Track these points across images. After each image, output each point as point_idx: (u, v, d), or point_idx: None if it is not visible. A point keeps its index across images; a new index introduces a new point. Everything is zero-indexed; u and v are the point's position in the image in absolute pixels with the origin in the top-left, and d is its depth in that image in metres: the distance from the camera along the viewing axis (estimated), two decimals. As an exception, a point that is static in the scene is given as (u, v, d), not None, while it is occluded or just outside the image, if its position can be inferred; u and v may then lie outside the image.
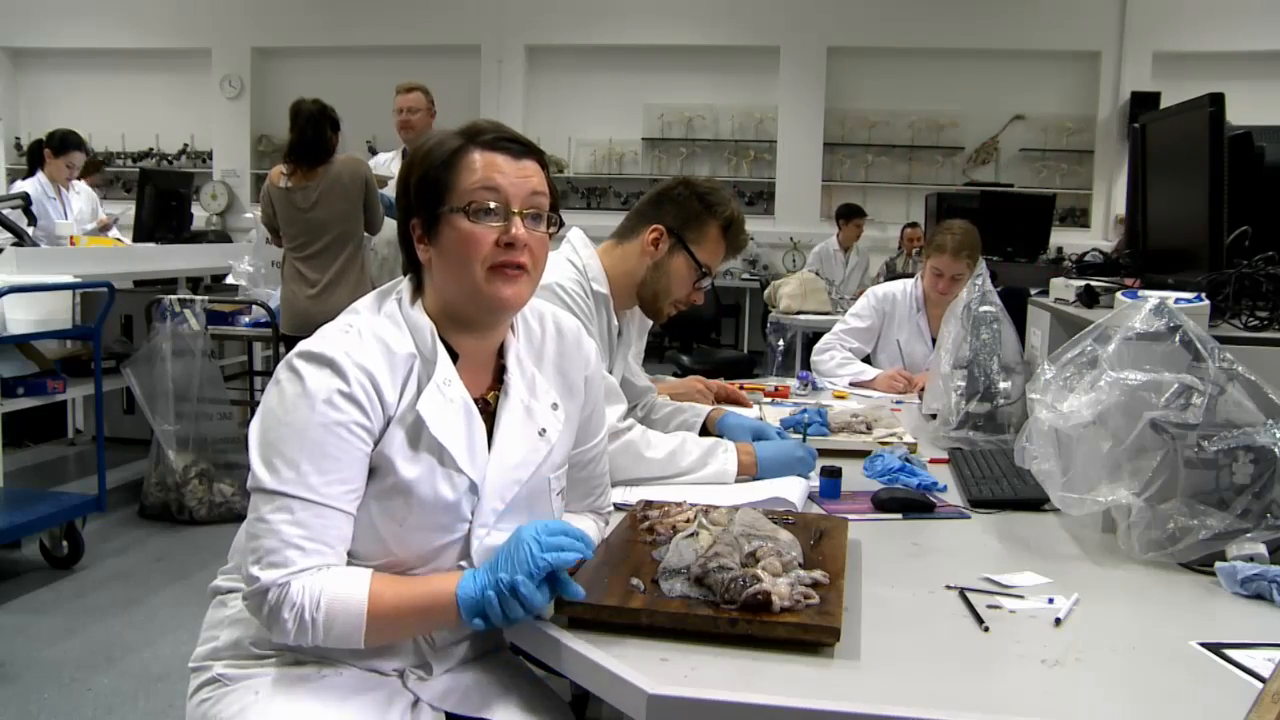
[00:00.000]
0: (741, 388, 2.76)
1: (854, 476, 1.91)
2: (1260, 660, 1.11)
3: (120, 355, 4.36)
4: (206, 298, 4.45)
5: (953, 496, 1.84)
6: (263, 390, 1.30)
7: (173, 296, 4.29)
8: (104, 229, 5.74)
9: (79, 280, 3.93)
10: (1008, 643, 1.18)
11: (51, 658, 2.89)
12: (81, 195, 5.83)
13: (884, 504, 1.73)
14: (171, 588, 3.49)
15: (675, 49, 9.25)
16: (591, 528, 1.45)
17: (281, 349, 4.35)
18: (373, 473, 1.22)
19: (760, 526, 1.34)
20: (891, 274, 7.06)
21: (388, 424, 1.22)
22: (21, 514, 3.40)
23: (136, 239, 5.41)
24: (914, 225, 7.80)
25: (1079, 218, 9.03)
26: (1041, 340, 2.55)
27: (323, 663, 1.26)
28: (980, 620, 1.23)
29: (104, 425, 3.97)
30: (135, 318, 4.85)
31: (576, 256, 1.99)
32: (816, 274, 6.65)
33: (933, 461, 2.09)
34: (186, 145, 10.12)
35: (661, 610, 1.16)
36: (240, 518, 1.22)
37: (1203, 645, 1.17)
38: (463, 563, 1.27)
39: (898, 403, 2.90)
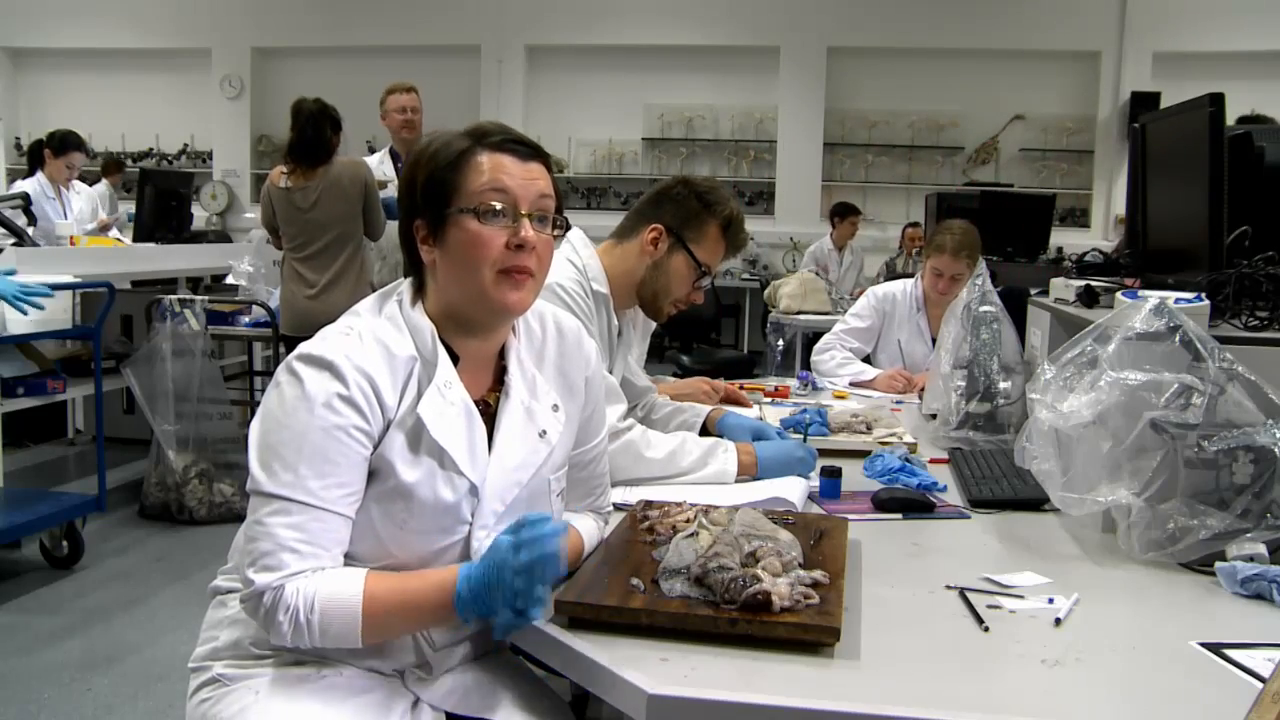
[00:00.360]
0: (741, 388, 2.76)
1: (854, 476, 1.91)
2: (1260, 660, 1.11)
3: (120, 355, 4.36)
4: (206, 298, 4.45)
5: (953, 496, 1.84)
6: (263, 390, 1.30)
7: (173, 296, 4.30)
8: (104, 229, 5.75)
9: (79, 280, 3.93)
10: (1008, 643, 1.18)
11: (51, 658, 2.89)
12: (82, 195, 5.83)
13: (884, 504, 1.73)
14: (171, 588, 3.49)
15: (675, 49, 9.25)
16: (592, 528, 1.45)
17: (281, 349, 4.34)
18: (373, 475, 1.22)
19: (760, 526, 1.34)
20: (891, 274, 7.06)
21: (387, 427, 1.22)
22: (21, 514, 3.40)
23: (136, 239, 5.41)
24: (915, 225, 7.80)
25: (1079, 218, 9.04)
26: (1041, 340, 2.55)
27: (323, 663, 1.26)
28: (980, 620, 1.23)
29: (104, 425, 3.97)
30: (135, 318, 4.85)
31: (576, 256, 1.99)
32: (816, 274, 6.65)
33: (933, 461, 2.09)
34: (186, 145, 10.12)
35: (661, 610, 1.16)
36: (240, 518, 1.22)
37: (1203, 645, 1.17)
38: (462, 561, 1.27)
39: (898, 403, 2.90)
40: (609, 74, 9.46)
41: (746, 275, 8.87)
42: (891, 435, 2.22)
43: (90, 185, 7.74)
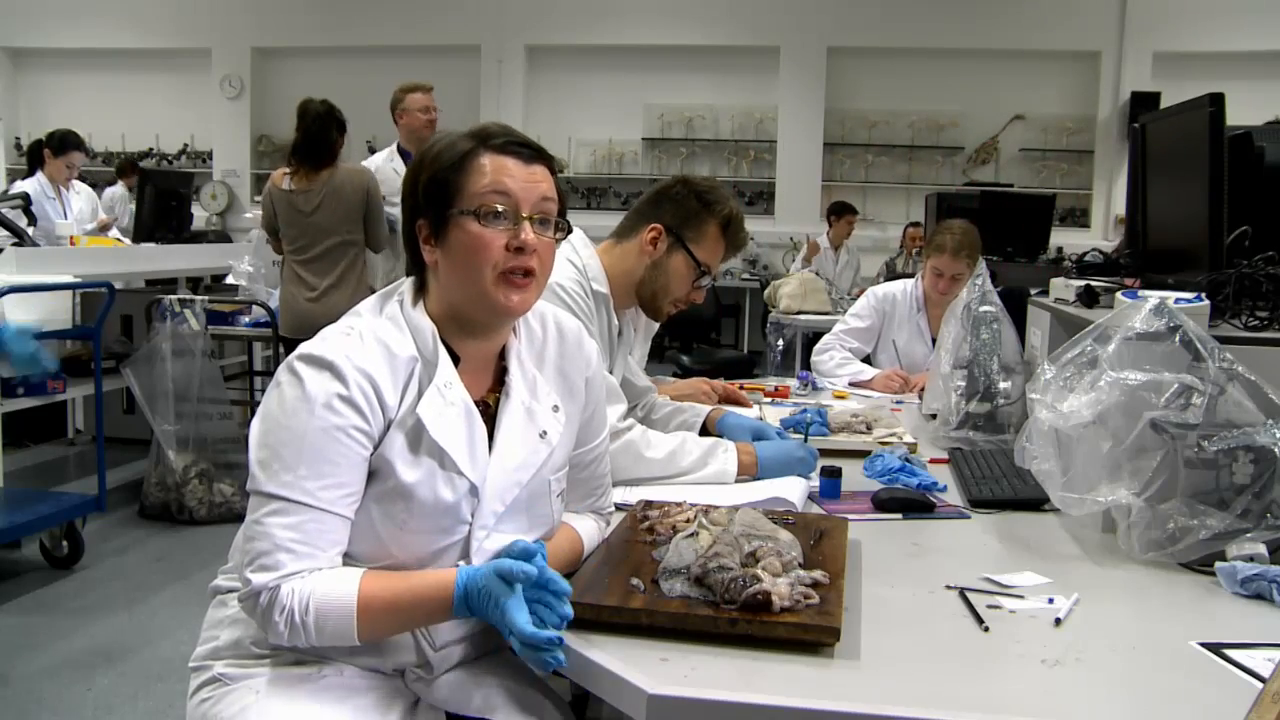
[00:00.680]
0: (741, 388, 2.77)
1: (854, 476, 1.91)
2: (1260, 660, 1.12)
3: (120, 355, 4.35)
4: (206, 298, 4.45)
5: (953, 496, 1.84)
6: (263, 390, 1.30)
7: (173, 296, 4.29)
8: (104, 229, 5.75)
9: (79, 280, 3.93)
10: (1008, 643, 1.18)
11: (51, 658, 2.89)
12: (82, 195, 5.83)
13: (884, 504, 1.73)
14: (171, 588, 3.49)
15: (675, 49, 9.25)
16: (592, 528, 1.45)
17: (281, 350, 4.34)
18: (373, 475, 1.22)
19: (760, 526, 1.34)
20: (891, 274, 7.06)
21: (388, 427, 1.22)
22: (21, 514, 3.40)
23: (136, 239, 5.41)
24: (916, 225, 7.80)
25: (1079, 218, 9.04)
26: (1041, 340, 2.55)
27: (323, 662, 1.26)
28: (980, 620, 1.23)
29: (104, 425, 3.97)
30: (135, 318, 4.85)
31: (576, 256, 1.99)
32: (816, 274, 6.66)
33: (933, 461, 2.09)
34: (186, 145, 10.12)
35: (661, 610, 1.16)
36: (240, 518, 1.23)
37: (1203, 645, 1.17)
38: (461, 561, 1.27)
39: (898, 403, 2.90)
40: (609, 74, 9.46)
41: (746, 275, 8.88)
42: (891, 435, 2.22)
43: (109, 186, 7.76)
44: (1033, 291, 2.83)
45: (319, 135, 3.97)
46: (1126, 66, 8.72)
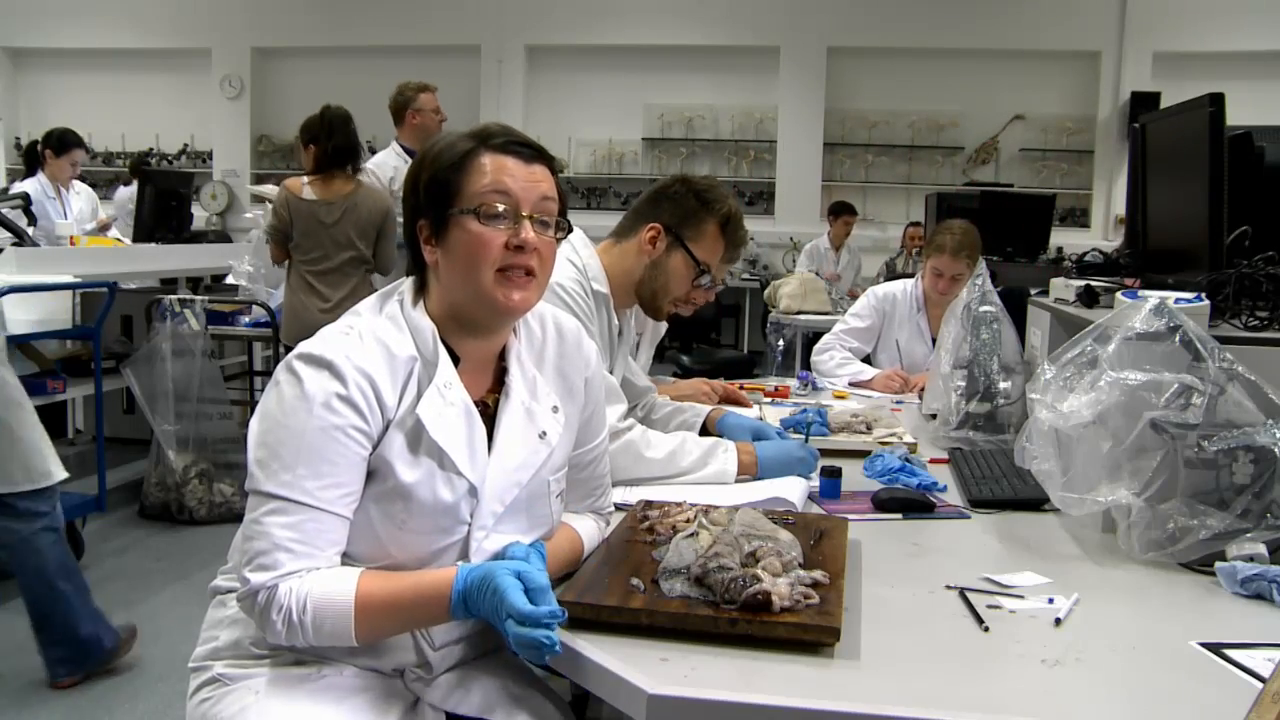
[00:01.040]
0: (741, 388, 2.77)
1: (854, 476, 1.91)
2: (1260, 660, 1.12)
3: (120, 355, 4.35)
4: (206, 298, 4.45)
5: (953, 496, 1.84)
6: (263, 390, 1.30)
7: (173, 296, 4.29)
8: (103, 229, 5.74)
9: (79, 280, 3.93)
10: (1008, 643, 1.18)
11: (51, 658, 2.89)
12: (82, 195, 5.83)
13: (884, 504, 1.73)
14: (171, 588, 3.49)
15: (675, 49, 9.25)
16: (592, 528, 1.45)
17: (281, 350, 4.33)
18: (372, 475, 1.22)
19: (760, 526, 1.34)
20: (891, 274, 7.06)
21: (387, 427, 1.22)
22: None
23: (136, 239, 5.41)
24: (917, 224, 7.80)
25: (1079, 218, 9.03)
26: (1041, 340, 2.55)
27: (323, 663, 1.26)
28: (980, 620, 1.23)
29: (104, 425, 3.97)
30: (135, 318, 4.84)
31: (576, 256, 1.99)
32: (816, 274, 6.65)
33: (933, 461, 2.09)
34: (186, 145, 10.12)
35: (661, 610, 1.16)
36: (240, 518, 1.22)
37: (1203, 645, 1.17)
38: (461, 563, 1.27)
39: (898, 403, 2.90)
40: (609, 74, 9.46)
41: (746, 275, 8.87)
42: (891, 435, 2.22)
43: (124, 186, 7.74)
44: (1033, 291, 2.83)
45: (350, 143, 3.92)
46: (1126, 66, 8.72)
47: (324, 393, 1.18)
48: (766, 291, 6.58)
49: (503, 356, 1.35)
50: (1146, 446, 1.42)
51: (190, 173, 8.40)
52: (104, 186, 8.59)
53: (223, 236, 8.94)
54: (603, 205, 9.42)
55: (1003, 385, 2.26)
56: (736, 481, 1.83)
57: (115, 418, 5.08)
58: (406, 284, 1.33)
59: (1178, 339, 1.46)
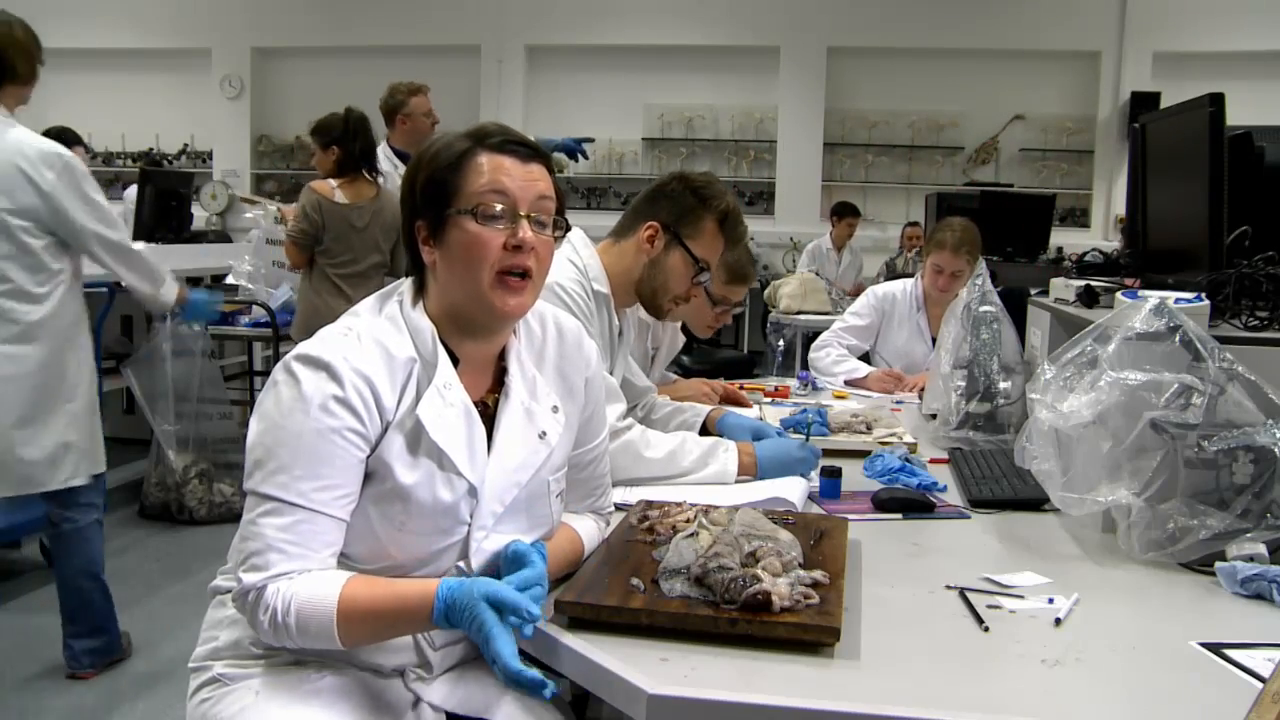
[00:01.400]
0: (741, 388, 2.77)
1: (854, 476, 1.91)
2: (1260, 660, 1.12)
3: (120, 355, 4.35)
4: (206, 298, 4.44)
5: (953, 496, 1.84)
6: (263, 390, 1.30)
7: (173, 296, 4.28)
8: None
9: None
10: (1008, 643, 1.18)
11: (51, 658, 2.88)
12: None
13: (884, 504, 1.73)
14: (171, 588, 3.49)
15: (675, 49, 9.25)
16: (592, 528, 1.45)
17: (282, 350, 4.33)
18: (371, 477, 1.22)
19: (760, 526, 1.34)
20: (892, 274, 7.06)
21: (385, 429, 1.22)
22: (21, 514, 3.39)
23: (136, 239, 5.41)
24: (914, 224, 7.80)
25: (1079, 218, 9.03)
26: (1041, 340, 2.55)
27: (323, 663, 1.26)
28: (980, 620, 1.23)
29: (104, 425, 3.96)
30: (135, 318, 4.84)
31: (577, 256, 1.99)
32: (816, 274, 6.65)
33: (933, 461, 2.09)
34: (186, 145, 10.12)
35: (661, 610, 1.16)
36: (240, 518, 1.22)
37: (1203, 645, 1.17)
38: (461, 563, 1.27)
39: (898, 403, 2.90)
40: (609, 74, 9.45)
41: (747, 275, 8.85)
42: (891, 435, 2.22)
43: (133, 185, 7.72)
44: (1033, 291, 2.83)
45: (373, 146, 3.90)
46: (1126, 66, 8.72)
47: (321, 395, 1.18)
48: (766, 291, 6.58)
49: (502, 356, 1.35)
50: (1146, 446, 1.42)
51: (190, 173, 8.41)
52: (104, 186, 8.54)
53: (223, 236, 8.92)
54: (603, 205, 9.42)
55: (1003, 385, 2.26)
56: (736, 482, 1.83)
57: (115, 418, 5.08)
58: (406, 284, 1.33)
59: (1178, 339, 1.46)
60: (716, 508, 1.48)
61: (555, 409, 1.35)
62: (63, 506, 2.71)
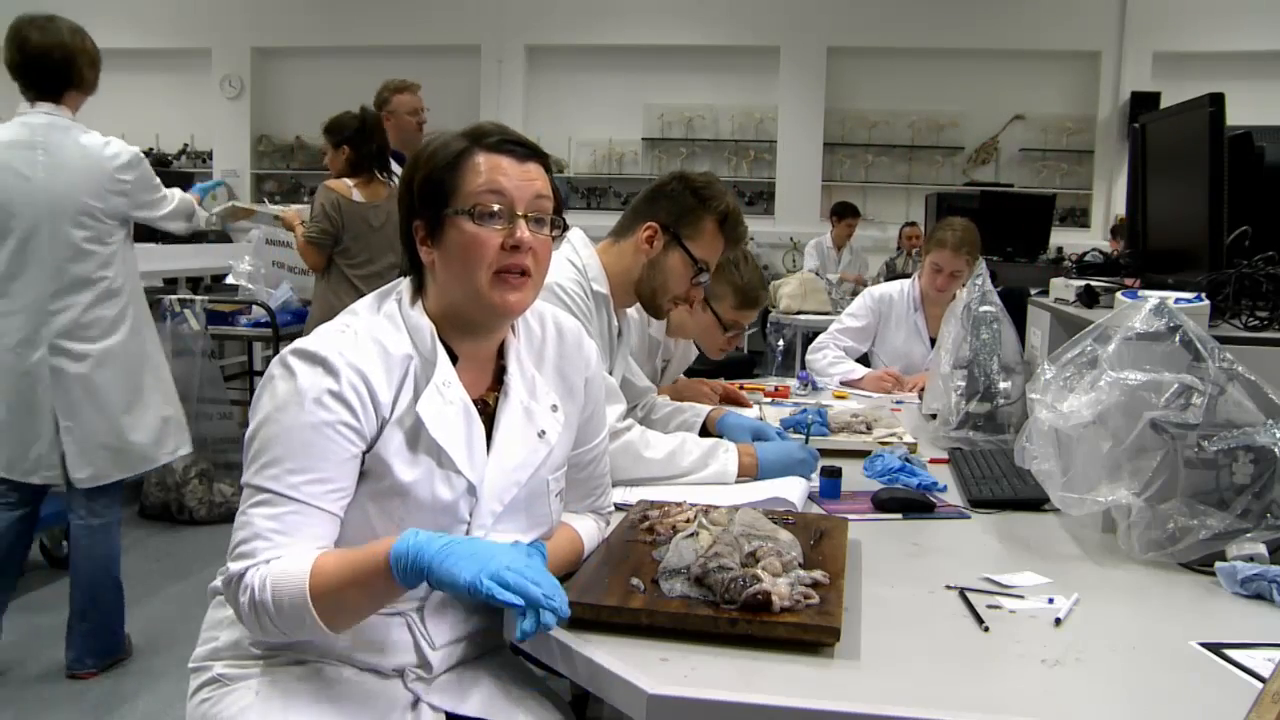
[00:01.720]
0: (741, 388, 2.77)
1: (854, 476, 1.91)
2: (1260, 660, 1.12)
3: (120, 355, 4.35)
4: (206, 298, 4.45)
5: (953, 496, 1.84)
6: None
7: (173, 296, 4.29)
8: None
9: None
10: (1008, 643, 1.18)
11: (51, 657, 2.88)
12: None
13: (884, 504, 1.73)
14: (171, 588, 3.49)
15: (675, 49, 9.25)
16: (592, 528, 1.45)
17: (282, 349, 4.31)
18: (370, 474, 1.22)
19: (760, 526, 1.34)
20: (891, 274, 7.06)
21: (383, 426, 1.22)
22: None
23: (136, 239, 5.40)
24: (912, 224, 7.80)
25: (1079, 218, 9.03)
26: (1041, 340, 2.55)
27: (323, 663, 1.26)
28: (980, 620, 1.23)
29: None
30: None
31: (576, 256, 1.98)
32: (816, 274, 6.65)
33: (933, 461, 2.09)
34: (186, 145, 10.12)
35: (661, 610, 1.16)
36: (241, 518, 1.23)
37: (1203, 645, 1.17)
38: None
39: (898, 403, 2.90)
40: (609, 74, 9.45)
41: (747, 275, 8.85)
42: (891, 435, 2.22)
43: None
44: (1033, 291, 2.83)
45: (385, 144, 3.87)
46: (1126, 66, 8.72)
47: (316, 388, 1.18)
48: (766, 292, 6.56)
49: (501, 355, 1.35)
50: (1146, 446, 1.42)
51: (190, 173, 8.41)
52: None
53: (223, 236, 8.90)
54: (603, 205, 9.42)
55: (1003, 385, 2.26)
56: (736, 482, 1.83)
57: (115, 418, 5.07)
58: (404, 283, 1.33)
59: (1178, 339, 1.46)
60: (716, 508, 1.48)
61: (555, 408, 1.35)
62: (91, 502, 2.77)
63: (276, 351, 4.66)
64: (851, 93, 9.25)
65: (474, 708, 1.29)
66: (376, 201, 3.83)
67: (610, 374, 1.99)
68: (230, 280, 4.92)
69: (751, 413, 2.47)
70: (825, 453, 2.00)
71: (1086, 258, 2.64)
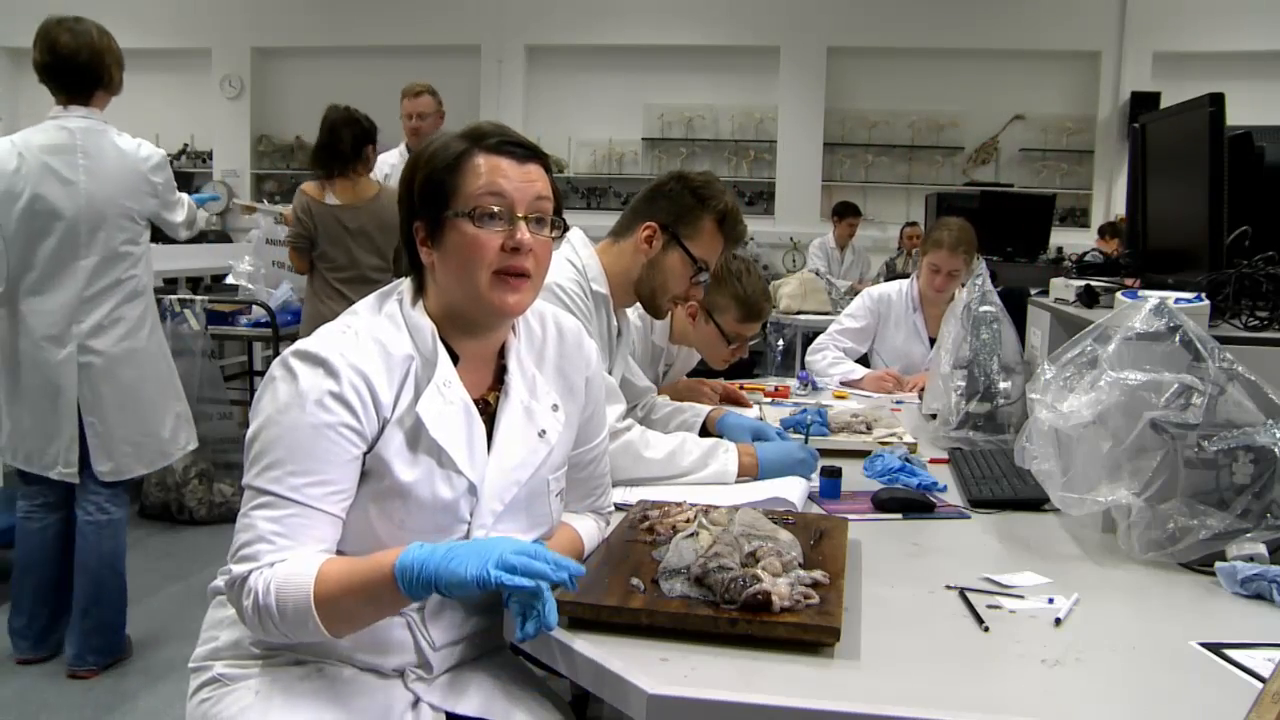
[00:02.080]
0: (741, 388, 2.77)
1: (854, 476, 1.91)
2: (1260, 660, 1.12)
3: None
4: (206, 298, 4.44)
5: (953, 496, 1.84)
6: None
7: (173, 297, 4.29)
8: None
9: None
10: (1008, 643, 1.18)
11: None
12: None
13: (884, 504, 1.73)
14: (171, 588, 3.49)
15: (675, 49, 9.24)
16: (592, 528, 1.45)
17: (282, 350, 4.30)
18: (370, 474, 1.22)
19: (760, 526, 1.34)
20: (892, 274, 7.06)
21: (384, 426, 1.22)
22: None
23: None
24: (913, 224, 7.80)
25: (1079, 218, 9.03)
26: (1041, 340, 2.55)
27: (323, 663, 1.26)
28: (980, 620, 1.23)
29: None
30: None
31: (576, 256, 1.98)
32: (816, 273, 6.65)
33: (933, 461, 2.09)
34: (186, 145, 10.11)
35: (661, 610, 1.16)
36: (241, 518, 1.23)
37: (1203, 645, 1.17)
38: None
39: (898, 403, 2.90)
40: (609, 74, 9.45)
41: (747, 275, 8.85)
42: (891, 435, 2.22)
43: None
44: (1033, 291, 2.83)
45: (328, 142, 3.73)
46: (1126, 66, 8.72)
47: (317, 390, 1.18)
48: (767, 292, 6.55)
49: (502, 354, 1.35)
50: (1146, 446, 1.42)
51: (190, 173, 8.41)
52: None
53: (223, 236, 8.94)
54: (603, 205, 9.41)
55: (1003, 385, 2.26)
56: (736, 482, 1.83)
57: (115, 418, 5.07)
58: (405, 284, 1.33)
59: (1178, 339, 1.46)
60: (716, 508, 1.48)
61: (555, 407, 1.35)
62: (104, 499, 2.80)
63: (277, 351, 4.68)
64: (851, 93, 9.24)
65: (474, 708, 1.29)
66: (355, 203, 3.74)
67: (610, 374, 1.99)
68: (230, 280, 4.92)
69: (751, 413, 2.47)
70: (825, 453, 2.00)
71: (1086, 258, 2.64)
